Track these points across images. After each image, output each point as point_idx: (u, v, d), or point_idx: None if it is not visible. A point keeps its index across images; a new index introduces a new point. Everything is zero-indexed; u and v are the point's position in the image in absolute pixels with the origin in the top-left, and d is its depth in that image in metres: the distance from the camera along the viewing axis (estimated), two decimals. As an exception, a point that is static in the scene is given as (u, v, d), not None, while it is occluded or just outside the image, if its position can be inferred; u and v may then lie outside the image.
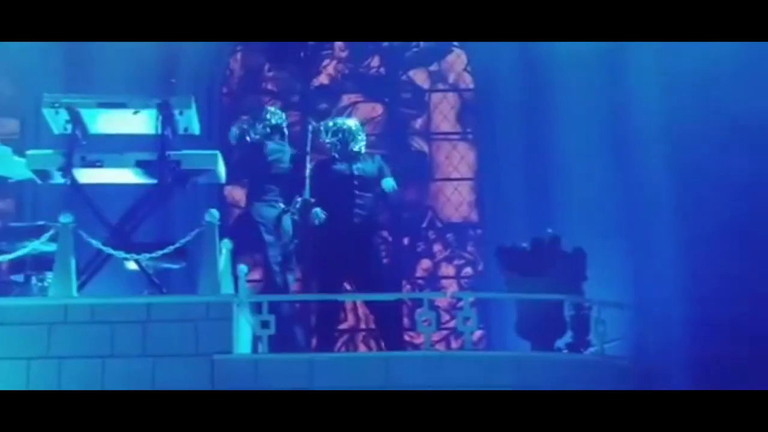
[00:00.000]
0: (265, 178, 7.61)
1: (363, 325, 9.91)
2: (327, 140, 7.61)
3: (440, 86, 10.63)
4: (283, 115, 8.01)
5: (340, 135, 7.50)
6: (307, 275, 9.44)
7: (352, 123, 7.75)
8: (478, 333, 8.44)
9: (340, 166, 7.43)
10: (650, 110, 9.29)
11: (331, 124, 7.68)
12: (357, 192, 7.33)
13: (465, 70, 10.61)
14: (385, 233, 7.84)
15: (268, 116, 7.85)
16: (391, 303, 7.35)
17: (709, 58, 8.77)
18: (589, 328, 7.01)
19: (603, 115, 9.51)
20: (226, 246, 7.02)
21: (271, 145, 7.70)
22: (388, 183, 7.43)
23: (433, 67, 10.64)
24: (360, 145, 7.59)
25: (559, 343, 7.07)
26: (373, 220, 7.40)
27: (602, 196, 9.33)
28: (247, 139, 7.80)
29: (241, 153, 7.86)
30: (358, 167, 7.45)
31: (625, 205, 9.31)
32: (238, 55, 10.68)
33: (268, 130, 7.76)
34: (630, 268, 8.95)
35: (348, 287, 7.77)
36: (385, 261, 9.80)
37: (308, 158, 7.46)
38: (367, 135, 7.95)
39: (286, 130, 7.95)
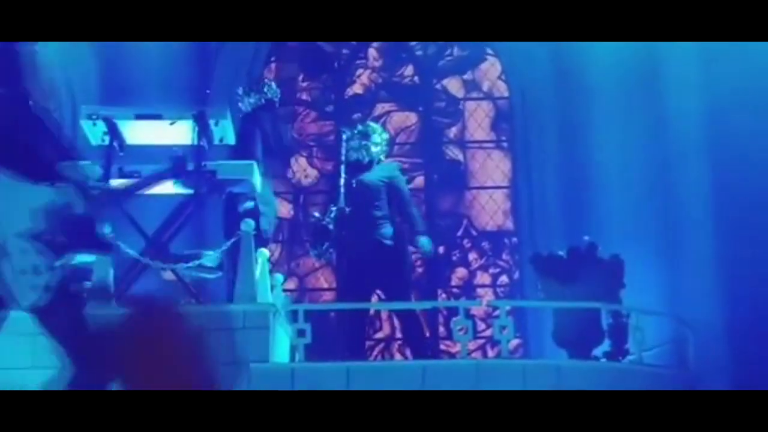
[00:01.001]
0: None
1: (399, 334, 9.91)
2: (362, 144, 7.47)
3: (474, 95, 10.62)
4: (278, 92, 7.89)
5: (360, 138, 7.44)
6: (340, 285, 9.46)
7: (373, 127, 7.72)
8: (514, 342, 8.40)
9: (370, 174, 7.36)
10: (689, 116, 9.23)
11: (371, 127, 7.62)
12: (383, 197, 7.27)
13: (499, 78, 10.59)
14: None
15: (265, 89, 7.79)
16: (414, 314, 7.31)
17: (751, 64, 8.70)
18: (627, 336, 6.96)
19: (640, 121, 9.46)
20: (262, 255, 7.04)
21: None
22: (426, 243, 7.38)
23: (467, 76, 10.63)
24: (384, 151, 7.56)
25: (597, 351, 7.02)
26: (402, 228, 7.34)
27: (639, 203, 9.28)
28: (240, 106, 7.70)
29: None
30: (368, 175, 7.38)
31: (663, 211, 9.25)
32: (272, 66, 10.73)
33: (263, 101, 7.68)
34: (668, 276, 8.88)
35: (379, 297, 7.75)
36: (419, 270, 9.80)
37: (342, 167, 7.44)
38: (394, 143, 7.89)
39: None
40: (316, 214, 7.37)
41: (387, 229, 7.27)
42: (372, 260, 7.17)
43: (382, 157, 7.56)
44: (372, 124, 7.79)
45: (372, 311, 8.87)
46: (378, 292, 7.62)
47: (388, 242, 7.23)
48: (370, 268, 7.20)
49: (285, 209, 10.47)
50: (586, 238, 7.38)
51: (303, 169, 10.54)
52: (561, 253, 7.28)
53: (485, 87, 10.63)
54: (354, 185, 7.31)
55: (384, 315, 9.72)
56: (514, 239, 10.23)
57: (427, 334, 8.20)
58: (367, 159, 7.38)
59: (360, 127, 7.67)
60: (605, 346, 7.02)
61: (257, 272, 6.81)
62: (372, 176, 7.38)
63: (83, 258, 6.84)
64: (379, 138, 7.49)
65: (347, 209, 7.29)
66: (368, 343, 10.00)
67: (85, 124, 6.96)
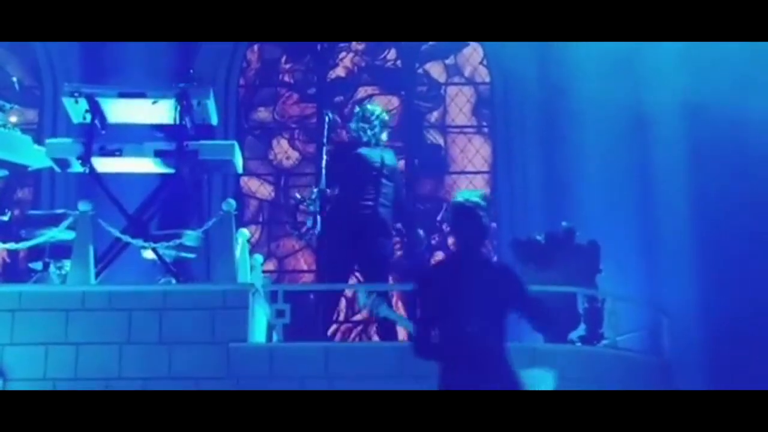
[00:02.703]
0: None
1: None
2: (360, 126, 7.42)
3: (456, 80, 10.65)
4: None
5: (374, 121, 7.40)
6: (319, 265, 9.49)
7: (382, 111, 7.68)
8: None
9: (371, 154, 7.34)
10: (670, 104, 9.30)
11: (369, 108, 7.57)
12: (384, 181, 7.27)
13: (481, 63, 10.63)
14: (399, 225, 7.80)
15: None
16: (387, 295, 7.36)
17: (730, 58, 8.77)
18: (603, 321, 7.03)
19: (620, 107, 9.52)
20: (242, 236, 7.06)
21: None
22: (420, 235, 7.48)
23: (450, 61, 10.66)
24: (386, 134, 7.55)
25: (573, 335, 7.09)
26: (390, 210, 7.36)
27: (618, 190, 9.34)
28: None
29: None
30: (386, 156, 7.39)
31: (642, 198, 9.32)
32: (255, 47, 10.73)
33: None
34: (645, 262, 8.95)
35: (357, 279, 7.77)
36: (398, 253, 9.83)
37: (324, 149, 7.46)
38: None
39: None
40: (298, 195, 7.39)
41: (390, 213, 7.31)
42: (372, 240, 7.18)
43: (382, 136, 7.52)
44: (370, 105, 7.75)
45: (350, 293, 8.93)
46: (357, 274, 7.66)
47: (389, 227, 7.29)
48: (368, 247, 7.20)
49: (266, 191, 10.49)
50: (564, 223, 7.43)
51: (284, 151, 10.56)
52: (539, 237, 7.32)
53: (467, 72, 10.67)
54: (377, 165, 7.26)
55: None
56: (493, 224, 10.28)
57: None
58: (365, 139, 7.37)
59: (358, 108, 7.66)
60: (581, 330, 7.08)
61: (237, 253, 6.84)
62: (392, 158, 7.40)
63: (63, 235, 6.88)
64: (377, 119, 7.45)
65: (328, 191, 7.30)
66: (346, 326, 10.06)
67: (67, 102, 6.95)
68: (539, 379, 5.04)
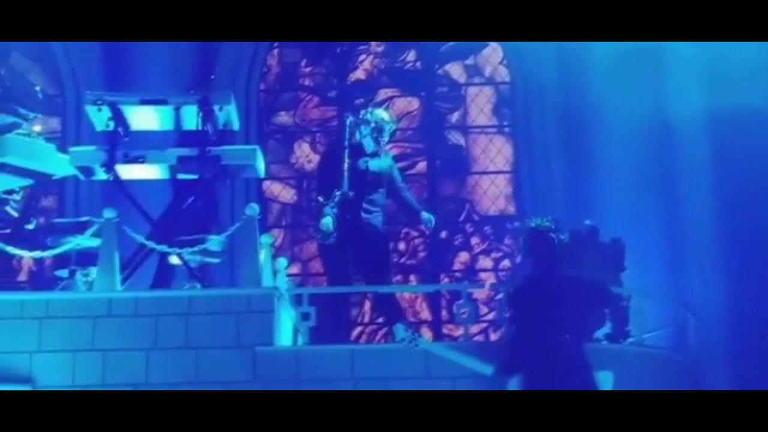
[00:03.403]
0: None
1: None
2: (358, 130, 7.40)
3: (476, 80, 10.65)
4: None
5: (373, 126, 7.36)
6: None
7: (387, 115, 7.62)
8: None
9: (370, 160, 7.31)
10: (692, 98, 9.25)
11: (369, 114, 7.52)
12: (369, 187, 7.24)
13: (501, 63, 10.62)
14: (406, 230, 7.80)
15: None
16: (395, 301, 7.40)
17: (753, 58, 8.73)
18: (628, 319, 7.00)
19: (642, 104, 9.48)
20: (266, 240, 7.08)
21: None
22: (429, 218, 7.37)
23: (469, 61, 10.66)
24: (385, 138, 7.49)
25: (598, 333, 7.06)
26: (379, 216, 7.32)
27: (642, 187, 9.31)
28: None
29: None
30: (373, 163, 7.31)
31: (666, 195, 9.28)
32: (275, 52, 10.76)
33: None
34: (670, 260, 8.92)
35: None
36: (422, 254, 9.83)
37: (346, 152, 7.43)
38: (398, 129, 7.81)
39: None
40: (320, 199, 7.38)
41: (380, 218, 7.30)
42: (364, 246, 7.19)
43: (382, 141, 7.49)
44: (377, 111, 7.70)
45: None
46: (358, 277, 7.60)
47: (381, 230, 7.29)
48: (361, 253, 7.21)
49: (288, 194, 10.52)
50: (588, 221, 7.41)
51: (306, 155, 10.58)
52: (563, 236, 7.30)
53: (487, 72, 10.66)
54: (361, 171, 7.29)
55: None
56: (516, 224, 10.27)
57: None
58: (373, 146, 7.34)
59: (369, 114, 7.58)
60: (606, 328, 7.06)
61: (261, 257, 6.86)
62: (381, 164, 7.38)
63: (88, 242, 6.92)
64: (387, 125, 7.42)
65: (351, 194, 7.29)
66: (371, 327, 10.07)
67: (90, 110, 6.99)
68: (602, 381, 5.39)
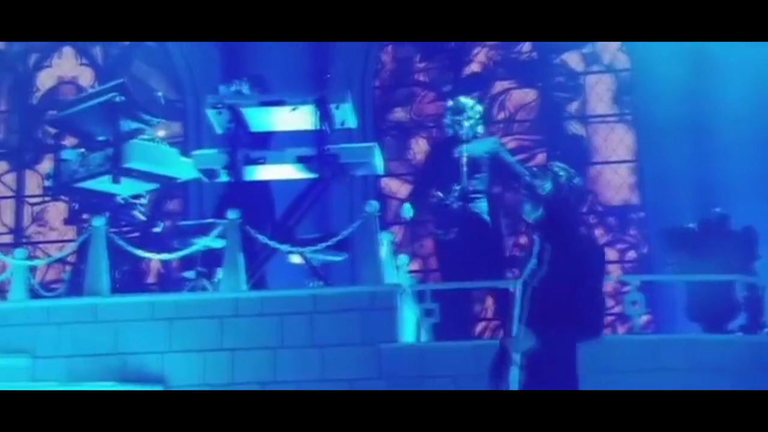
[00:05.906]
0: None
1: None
2: (454, 119, 7.42)
3: (595, 68, 10.44)
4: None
5: (468, 113, 7.40)
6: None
7: (466, 99, 7.65)
8: (645, 317, 8.23)
9: (470, 147, 7.32)
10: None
11: (462, 102, 7.56)
12: (468, 174, 7.23)
13: (620, 50, 10.38)
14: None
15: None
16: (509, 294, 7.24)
17: None
18: (763, 309, 6.76)
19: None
20: (386, 238, 7.07)
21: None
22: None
23: (587, 49, 10.45)
24: (481, 126, 7.51)
25: (732, 325, 6.84)
26: (483, 202, 7.29)
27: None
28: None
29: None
30: (469, 148, 7.30)
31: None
32: (389, 48, 10.75)
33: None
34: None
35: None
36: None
37: (465, 147, 7.39)
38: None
39: None
40: (440, 194, 7.34)
41: (483, 204, 7.26)
42: (469, 235, 7.14)
43: (478, 129, 7.49)
44: (463, 99, 7.71)
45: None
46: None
47: (485, 216, 7.22)
48: (468, 242, 7.16)
49: (406, 190, 10.50)
50: (717, 209, 7.18)
51: (423, 150, 10.54)
52: (692, 225, 7.10)
53: (606, 60, 10.44)
54: (456, 159, 7.24)
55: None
56: (641, 214, 10.02)
57: None
58: (462, 133, 7.32)
59: (451, 102, 7.62)
60: (741, 319, 6.82)
61: (382, 254, 6.85)
62: (473, 150, 7.33)
63: (213, 243, 7.02)
64: (471, 112, 7.44)
65: (470, 187, 7.25)
66: (494, 322, 9.96)
67: (211, 113, 7.09)
68: None
